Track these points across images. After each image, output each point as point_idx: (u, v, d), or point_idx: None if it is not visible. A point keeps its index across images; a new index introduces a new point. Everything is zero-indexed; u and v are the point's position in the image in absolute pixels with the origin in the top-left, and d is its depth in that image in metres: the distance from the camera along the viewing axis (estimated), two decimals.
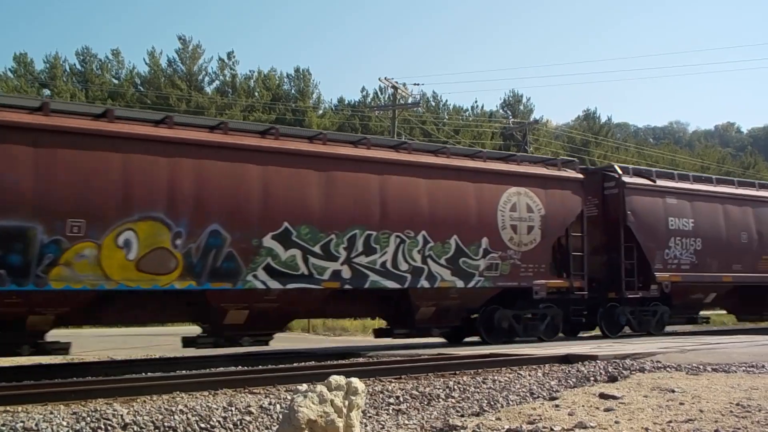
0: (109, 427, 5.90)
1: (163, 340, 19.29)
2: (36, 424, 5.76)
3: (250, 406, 6.71)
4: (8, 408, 6.56)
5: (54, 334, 11.53)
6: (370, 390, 7.55)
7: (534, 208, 15.51)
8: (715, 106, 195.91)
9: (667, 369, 9.62)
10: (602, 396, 7.48)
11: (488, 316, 15.24)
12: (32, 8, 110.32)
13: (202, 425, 6.16)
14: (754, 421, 6.09)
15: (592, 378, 8.95)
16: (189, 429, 6.09)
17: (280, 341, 16.45)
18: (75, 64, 53.69)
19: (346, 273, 12.96)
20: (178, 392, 7.53)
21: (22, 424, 5.75)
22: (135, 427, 5.96)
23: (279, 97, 54.64)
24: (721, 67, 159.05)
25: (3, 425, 5.74)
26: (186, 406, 6.64)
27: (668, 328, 19.24)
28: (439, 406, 7.31)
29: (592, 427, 5.95)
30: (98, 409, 6.34)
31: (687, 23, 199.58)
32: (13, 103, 11.13)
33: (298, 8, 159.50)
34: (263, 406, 6.75)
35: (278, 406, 6.73)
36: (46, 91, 48.80)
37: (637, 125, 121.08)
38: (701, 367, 9.73)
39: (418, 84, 55.09)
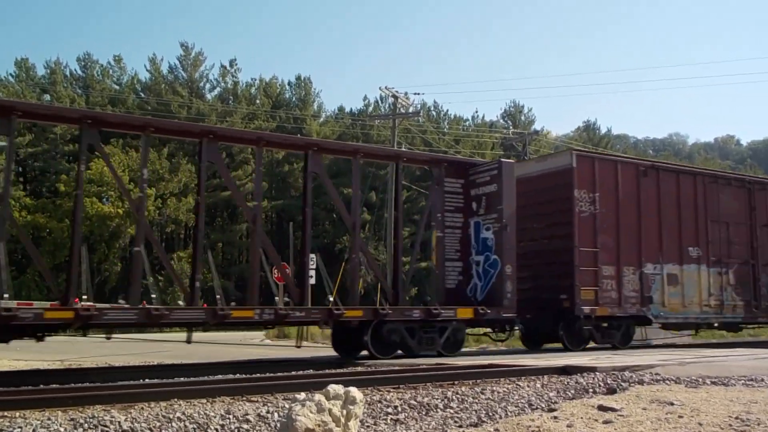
0: None
1: (161, 346, 19.26)
2: (33, 430, 5.74)
3: (247, 414, 6.69)
4: (6, 413, 6.53)
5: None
6: (368, 399, 7.52)
7: None
8: (715, 118, 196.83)
9: (666, 381, 9.59)
10: (601, 408, 7.46)
11: None
12: (34, 13, 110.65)
13: None
14: None
15: (590, 390, 8.92)
16: None
17: (278, 350, 16.45)
18: (76, 70, 53.82)
19: None
20: (175, 399, 7.50)
21: (19, 430, 5.73)
22: None
23: (280, 104, 54.72)
24: (721, 79, 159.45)
25: (1, 430, 5.72)
26: (184, 413, 6.62)
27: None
28: (437, 416, 7.28)
29: None
30: (96, 415, 6.32)
31: (689, 36, 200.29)
32: None
33: (301, 16, 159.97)
34: (261, 414, 6.73)
35: (276, 414, 6.71)
36: (47, 96, 48.91)
37: (636, 137, 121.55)
38: (700, 379, 9.71)
39: (418, 93, 55.28)
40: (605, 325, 16.54)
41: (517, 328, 16.84)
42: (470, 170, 16.19)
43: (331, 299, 13.77)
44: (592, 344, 16.73)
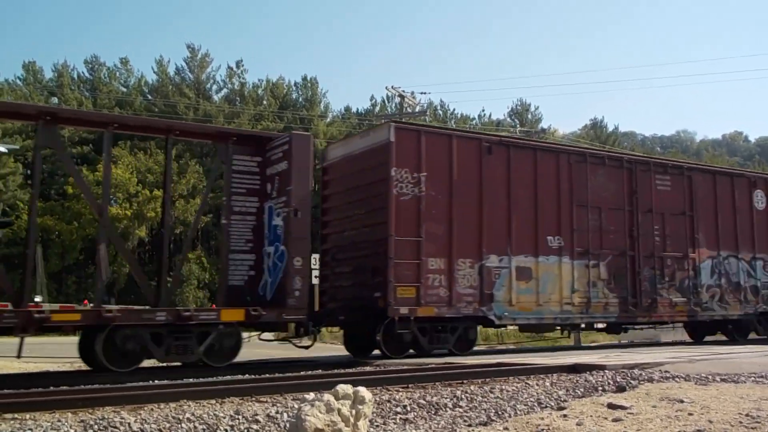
0: None
1: None
2: None
3: (257, 414, 6.70)
4: (16, 415, 6.55)
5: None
6: (378, 399, 7.53)
7: None
8: (723, 115, 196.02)
9: (676, 379, 9.56)
10: (611, 406, 7.44)
11: None
12: (41, 17, 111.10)
13: None
14: None
15: (600, 388, 8.90)
16: None
17: (287, 350, 16.32)
18: (83, 72, 54.04)
19: None
20: (185, 400, 7.51)
21: None
22: None
23: (287, 105, 54.79)
24: (729, 76, 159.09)
25: None
26: (193, 414, 6.63)
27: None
28: (447, 415, 7.28)
29: None
30: (105, 417, 6.34)
31: (696, 33, 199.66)
32: None
33: (306, 16, 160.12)
34: (270, 414, 6.74)
35: (285, 414, 6.72)
36: (54, 99, 49.11)
37: (644, 134, 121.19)
38: (710, 377, 9.68)
39: (425, 93, 55.45)
40: (439, 328, 14.13)
41: (319, 331, 14.47)
42: (267, 146, 13.67)
43: (38, 299, 11.66)
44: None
